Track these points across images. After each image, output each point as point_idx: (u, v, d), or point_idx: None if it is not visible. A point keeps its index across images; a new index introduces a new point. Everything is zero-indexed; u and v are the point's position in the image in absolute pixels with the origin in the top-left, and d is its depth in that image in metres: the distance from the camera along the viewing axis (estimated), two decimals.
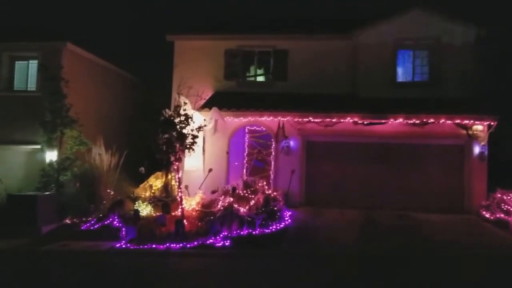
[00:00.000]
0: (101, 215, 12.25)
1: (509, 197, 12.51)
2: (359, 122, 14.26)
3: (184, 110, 11.53)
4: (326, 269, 8.92)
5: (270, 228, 11.39)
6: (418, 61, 15.57)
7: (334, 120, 14.32)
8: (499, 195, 12.95)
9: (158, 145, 11.24)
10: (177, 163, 11.50)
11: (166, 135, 11.18)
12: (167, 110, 11.69)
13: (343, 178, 14.96)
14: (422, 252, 9.91)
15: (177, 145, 11.22)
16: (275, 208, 12.32)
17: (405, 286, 7.87)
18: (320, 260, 9.55)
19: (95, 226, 11.68)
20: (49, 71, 14.84)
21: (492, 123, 13.67)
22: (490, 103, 14.27)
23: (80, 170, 14.18)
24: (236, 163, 15.38)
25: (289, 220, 12.34)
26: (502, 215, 12.32)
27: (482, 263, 9.31)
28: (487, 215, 13.00)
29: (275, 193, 13.29)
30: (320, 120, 14.48)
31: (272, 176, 15.13)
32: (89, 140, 14.64)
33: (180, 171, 11.90)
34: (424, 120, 13.86)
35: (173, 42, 16.52)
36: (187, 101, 12.24)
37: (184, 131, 11.31)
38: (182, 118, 11.34)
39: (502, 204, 12.58)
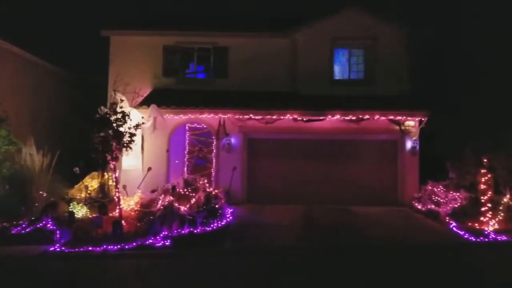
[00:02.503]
0: (33, 218, 11.61)
1: (439, 189, 13.16)
2: (298, 119, 14.53)
3: (121, 107, 11.17)
4: (266, 265, 8.98)
5: (212, 226, 11.35)
6: (354, 60, 16.09)
7: (274, 117, 14.51)
8: (430, 187, 13.59)
9: (94, 144, 10.83)
10: (113, 163, 11.12)
11: (101, 134, 10.79)
12: (102, 107, 11.28)
13: (284, 174, 15.21)
14: (358, 245, 10.25)
15: (114, 143, 10.87)
16: (217, 206, 12.31)
17: (343, 279, 8.10)
18: (261, 256, 9.61)
19: (27, 230, 11.06)
20: None
21: (423, 119, 14.43)
22: (422, 100, 14.98)
23: (9, 171, 13.35)
24: (176, 161, 15.18)
25: (231, 218, 12.37)
26: (433, 206, 12.96)
27: (414, 253, 9.79)
28: (419, 207, 13.68)
29: (216, 191, 13.24)
30: (260, 117, 14.61)
31: (213, 174, 15.09)
32: (19, 140, 13.85)
33: (117, 171, 11.54)
34: (360, 116, 14.37)
35: (108, 37, 16.01)
36: (123, 98, 11.87)
37: (121, 129, 10.95)
38: (119, 115, 10.97)
39: (433, 196, 13.22)
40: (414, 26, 15.96)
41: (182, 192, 12.09)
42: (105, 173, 12.80)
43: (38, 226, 11.08)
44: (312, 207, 13.95)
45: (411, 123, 14.73)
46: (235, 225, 11.85)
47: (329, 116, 14.34)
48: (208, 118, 14.79)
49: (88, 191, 12.57)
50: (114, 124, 10.87)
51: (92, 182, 13.16)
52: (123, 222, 10.64)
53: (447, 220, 11.98)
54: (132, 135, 11.18)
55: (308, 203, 14.38)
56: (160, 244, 9.94)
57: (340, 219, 12.71)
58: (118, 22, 17.25)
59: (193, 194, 12.15)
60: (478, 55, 18.56)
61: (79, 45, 24.30)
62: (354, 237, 10.89)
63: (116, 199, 11.16)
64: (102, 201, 11.95)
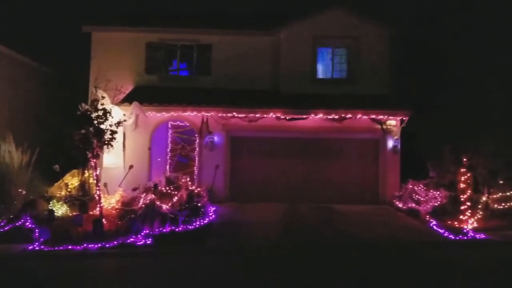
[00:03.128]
0: (12, 216, 11.41)
1: (419, 188, 13.31)
2: (281, 117, 14.55)
3: (102, 104, 11.04)
4: (249, 263, 8.98)
5: (194, 224, 11.29)
6: (337, 59, 16.16)
7: (257, 115, 14.49)
8: (411, 186, 13.74)
9: (74, 141, 10.68)
10: (94, 160, 11.01)
11: (82, 131, 10.65)
12: (83, 104, 11.13)
13: (267, 172, 15.23)
14: (340, 243, 10.34)
15: (95, 141, 10.74)
16: (199, 204, 12.27)
17: (326, 276, 8.15)
18: (244, 254, 9.59)
19: (5, 228, 10.87)
20: None
21: (404, 118, 14.57)
22: (403, 100, 15.13)
23: None
24: (158, 159, 15.08)
25: (213, 216, 12.33)
26: (413, 205, 13.11)
27: (395, 250, 9.89)
28: (400, 205, 13.82)
29: (199, 189, 13.22)
30: (244, 115, 14.59)
31: (196, 172, 15.02)
32: None
33: (98, 168, 11.42)
34: (342, 115, 14.45)
35: (90, 33, 15.78)
36: (105, 95, 11.75)
37: (102, 126, 10.83)
38: (100, 112, 10.85)
39: (414, 194, 13.36)
40: (397, 26, 16.11)
41: (164, 190, 12.02)
42: (86, 171, 12.66)
43: (17, 224, 10.90)
44: (295, 205, 13.98)
45: (392, 122, 14.88)
46: (218, 223, 11.81)
47: (312, 115, 14.39)
48: (191, 116, 14.72)
49: (68, 189, 12.41)
50: (95, 121, 10.75)
51: (72, 180, 12.98)
52: (104, 220, 10.54)
53: (427, 219, 12.12)
54: (113, 132, 11.07)
55: (291, 201, 14.42)
56: (142, 242, 9.86)
57: (323, 217, 12.75)
58: (100, 18, 17.04)
59: (175, 192, 12.09)
60: (460, 54, 18.80)
61: (59, 41, 23.84)
62: (337, 235, 10.94)
63: (97, 197, 11.04)
64: (83, 199, 11.83)
